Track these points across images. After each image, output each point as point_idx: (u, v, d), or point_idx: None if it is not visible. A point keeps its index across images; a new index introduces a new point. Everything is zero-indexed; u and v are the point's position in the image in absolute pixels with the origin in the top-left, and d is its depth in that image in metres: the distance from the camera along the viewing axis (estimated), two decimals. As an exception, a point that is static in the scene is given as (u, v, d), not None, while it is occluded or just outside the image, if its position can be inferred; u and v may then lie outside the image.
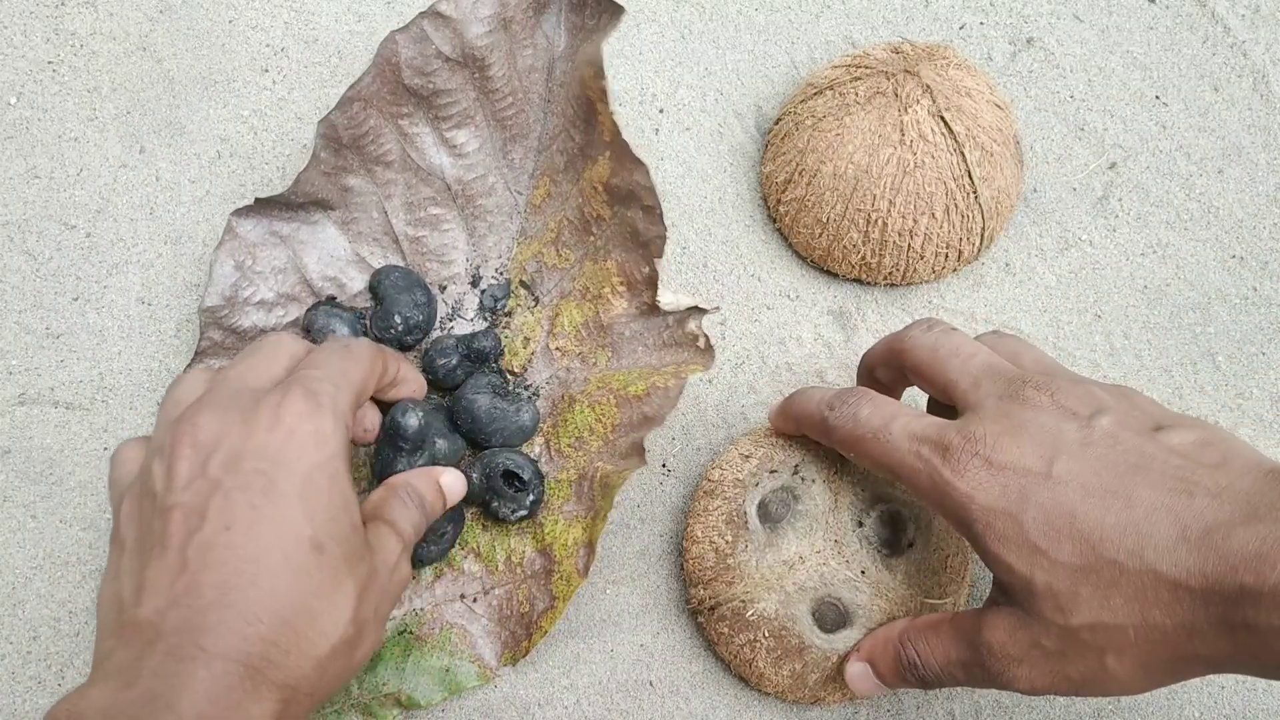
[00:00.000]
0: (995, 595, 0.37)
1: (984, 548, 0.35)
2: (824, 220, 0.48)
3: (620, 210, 0.47)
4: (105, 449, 0.49)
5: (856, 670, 0.41)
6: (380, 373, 0.40)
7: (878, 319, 0.51)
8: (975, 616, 0.37)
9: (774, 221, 0.52)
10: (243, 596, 0.31)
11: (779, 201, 0.50)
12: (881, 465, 0.38)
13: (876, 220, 0.47)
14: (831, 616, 0.43)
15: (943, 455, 0.36)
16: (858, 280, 0.51)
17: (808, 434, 0.43)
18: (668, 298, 0.46)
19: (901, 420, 0.38)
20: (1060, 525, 0.34)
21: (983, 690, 0.47)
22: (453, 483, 0.42)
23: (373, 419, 0.43)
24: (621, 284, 0.47)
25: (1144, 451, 0.34)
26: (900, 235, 0.47)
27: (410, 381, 0.43)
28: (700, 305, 0.46)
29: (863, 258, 0.49)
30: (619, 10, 0.46)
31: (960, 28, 0.55)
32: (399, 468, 0.43)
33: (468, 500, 0.46)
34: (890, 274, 0.49)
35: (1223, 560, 0.31)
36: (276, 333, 0.44)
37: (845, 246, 0.49)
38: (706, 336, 0.46)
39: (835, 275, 0.51)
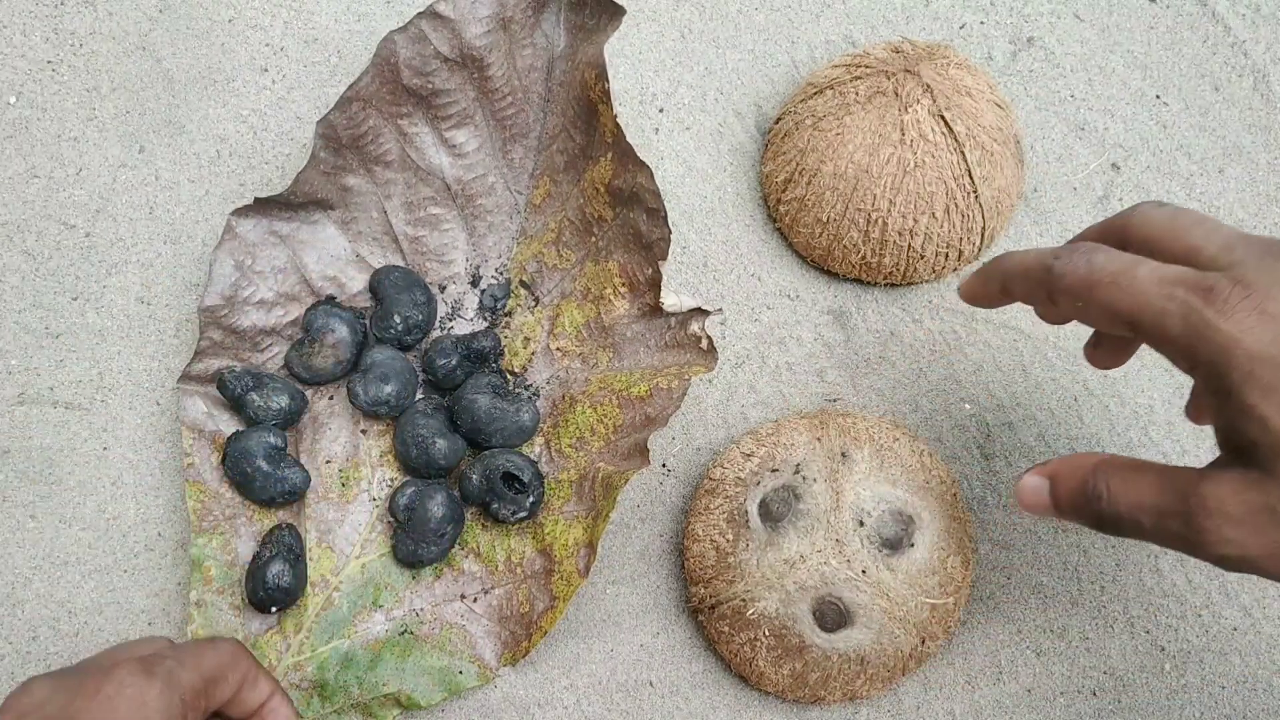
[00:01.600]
0: (1226, 459, 0.34)
1: (1239, 399, 0.32)
2: (824, 220, 0.48)
3: (623, 212, 0.47)
4: (105, 449, 0.49)
5: (1033, 484, 0.37)
6: (241, 672, 0.37)
7: (878, 319, 0.51)
8: (1194, 471, 0.34)
9: (774, 221, 0.52)
10: None
11: (779, 201, 0.50)
12: (1118, 310, 0.34)
13: (876, 220, 0.47)
14: (832, 616, 0.43)
15: (1205, 297, 0.32)
16: (858, 280, 0.51)
17: (1011, 291, 0.39)
18: (670, 299, 0.46)
19: (1148, 265, 0.34)
20: None
21: (983, 690, 0.47)
22: None
23: None
24: (623, 285, 0.47)
25: None
26: (900, 235, 0.47)
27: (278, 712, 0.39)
28: (703, 307, 0.46)
29: (863, 257, 0.49)
30: (619, 10, 0.46)
31: (960, 27, 0.55)
32: None
33: (468, 500, 0.46)
34: (890, 274, 0.49)
35: None
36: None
37: (845, 246, 0.49)
38: (709, 338, 0.46)
39: (835, 275, 0.51)
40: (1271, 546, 0.32)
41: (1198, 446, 0.49)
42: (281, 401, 0.46)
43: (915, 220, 0.47)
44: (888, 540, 0.44)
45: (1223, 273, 0.33)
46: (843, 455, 0.44)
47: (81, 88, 0.53)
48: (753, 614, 0.43)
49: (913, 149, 0.46)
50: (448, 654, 0.45)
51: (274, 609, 0.44)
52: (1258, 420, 0.31)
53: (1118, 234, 0.37)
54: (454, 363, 0.47)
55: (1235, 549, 0.32)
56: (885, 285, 0.51)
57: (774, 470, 0.44)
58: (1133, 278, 0.34)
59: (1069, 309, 0.36)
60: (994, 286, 0.39)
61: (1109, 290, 0.34)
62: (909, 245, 0.48)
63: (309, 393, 0.48)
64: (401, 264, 0.49)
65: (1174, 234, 0.35)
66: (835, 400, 0.50)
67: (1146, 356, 0.50)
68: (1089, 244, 0.36)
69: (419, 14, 0.47)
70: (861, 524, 0.44)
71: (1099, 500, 0.35)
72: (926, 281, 0.50)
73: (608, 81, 0.45)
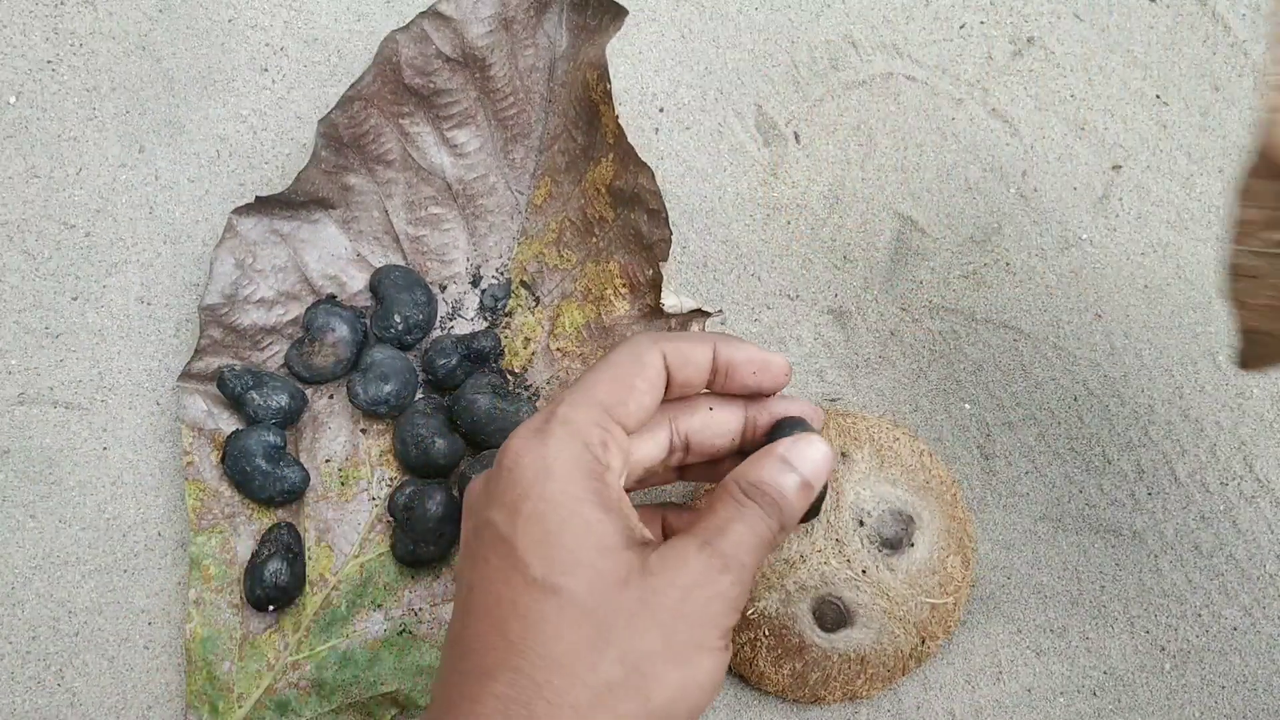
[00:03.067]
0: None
1: None
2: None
3: (624, 213, 0.47)
4: (105, 449, 0.49)
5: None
6: (652, 368, 0.33)
7: (878, 319, 0.51)
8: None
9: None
10: (478, 661, 0.30)
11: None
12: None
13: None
14: (832, 615, 0.43)
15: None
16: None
17: None
18: (671, 300, 0.46)
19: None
20: None
21: (983, 691, 0.47)
22: (820, 460, 0.33)
23: (647, 446, 0.35)
24: (624, 286, 0.47)
25: None
26: None
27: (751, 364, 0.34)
28: (704, 309, 0.46)
29: None
30: (622, 11, 0.46)
31: (960, 27, 0.55)
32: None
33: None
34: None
35: None
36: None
37: None
38: (708, 337, 0.46)
39: (837, 273, 0.51)
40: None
41: (1196, 446, 0.49)
42: (281, 400, 0.46)
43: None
44: (888, 540, 0.44)
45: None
46: (843, 455, 0.44)
47: (81, 88, 0.53)
48: (753, 614, 0.43)
49: None
50: (448, 654, 0.45)
51: (272, 608, 0.44)
52: None
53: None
54: (454, 363, 0.47)
55: None
56: (884, 286, 0.51)
57: (774, 470, 0.44)
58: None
59: None
60: None
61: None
62: None
63: (309, 392, 0.48)
64: (402, 263, 0.49)
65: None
66: (835, 400, 0.50)
67: (1146, 356, 0.50)
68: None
69: (421, 13, 0.47)
70: (861, 524, 0.44)
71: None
72: (927, 280, 0.50)
73: (609, 82, 0.45)
